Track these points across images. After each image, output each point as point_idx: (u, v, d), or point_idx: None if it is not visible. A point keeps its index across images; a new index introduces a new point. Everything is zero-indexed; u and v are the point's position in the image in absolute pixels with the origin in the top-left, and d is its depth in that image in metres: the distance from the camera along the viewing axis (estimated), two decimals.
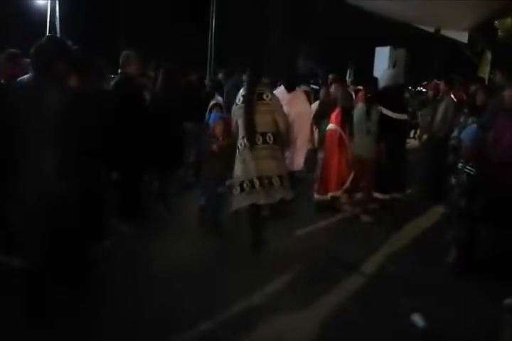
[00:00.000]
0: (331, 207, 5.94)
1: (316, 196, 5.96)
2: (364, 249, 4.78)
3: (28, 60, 3.22)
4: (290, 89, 5.77)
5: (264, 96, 4.36)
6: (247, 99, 4.38)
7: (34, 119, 2.89)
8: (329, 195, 5.84)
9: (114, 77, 5.48)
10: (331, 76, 8.18)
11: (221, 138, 4.93)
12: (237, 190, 4.48)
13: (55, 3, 10.85)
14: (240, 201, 4.48)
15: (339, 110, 5.85)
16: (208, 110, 6.26)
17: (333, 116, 5.86)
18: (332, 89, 6.98)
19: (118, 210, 4.79)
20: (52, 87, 2.95)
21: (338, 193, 5.84)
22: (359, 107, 5.74)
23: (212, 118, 5.18)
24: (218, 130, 4.94)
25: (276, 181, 4.41)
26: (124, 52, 5.18)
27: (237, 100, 4.56)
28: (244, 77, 8.01)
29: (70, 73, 3.38)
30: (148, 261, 4.22)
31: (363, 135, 5.58)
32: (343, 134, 5.73)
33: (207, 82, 9.59)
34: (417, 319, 3.36)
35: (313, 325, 3.36)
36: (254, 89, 4.38)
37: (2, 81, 4.35)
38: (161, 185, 5.66)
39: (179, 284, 3.81)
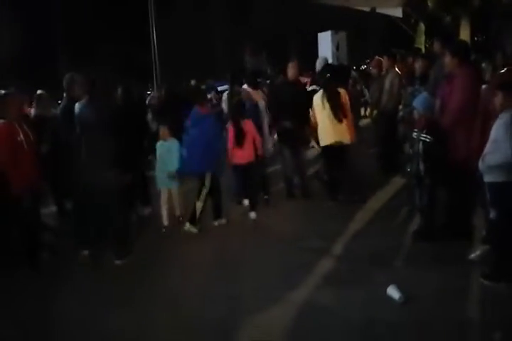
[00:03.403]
0: None
1: None
2: (332, 229, 4.84)
3: None
4: (254, 86, 6.29)
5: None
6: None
7: (93, 126, 4.37)
8: None
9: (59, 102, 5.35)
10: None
11: None
12: None
13: None
14: None
15: None
16: None
17: None
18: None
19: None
20: (102, 105, 4.48)
21: None
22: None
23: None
24: None
25: None
26: (68, 75, 4.99)
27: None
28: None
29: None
30: None
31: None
32: None
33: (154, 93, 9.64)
34: (393, 291, 3.38)
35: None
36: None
37: None
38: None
39: None
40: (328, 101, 5.49)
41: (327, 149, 5.64)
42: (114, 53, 18.69)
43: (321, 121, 5.61)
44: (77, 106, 4.54)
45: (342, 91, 5.61)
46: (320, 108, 5.55)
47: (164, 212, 5.30)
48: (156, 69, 12.71)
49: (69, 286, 4.09)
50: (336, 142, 5.51)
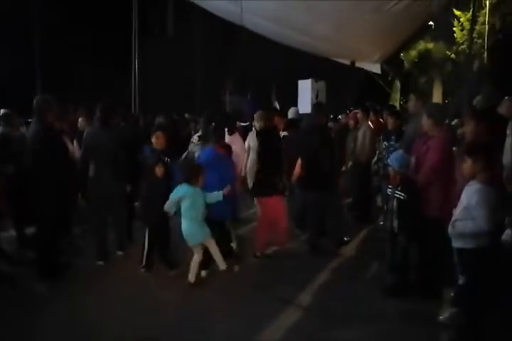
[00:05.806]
0: None
1: None
2: (302, 279, 4.74)
3: None
4: (231, 132, 6.11)
5: None
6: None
7: (99, 148, 5.04)
8: None
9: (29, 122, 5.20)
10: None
11: None
12: None
13: None
14: None
15: None
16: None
17: None
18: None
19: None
20: (106, 130, 5.15)
21: None
22: None
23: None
24: None
25: None
26: (39, 98, 4.73)
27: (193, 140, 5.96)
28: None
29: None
30: None
31: None
32: None
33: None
34: None
35: None
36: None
37: None
38: None
39: None
40: None
41: None
42: (94, 82, 18.66)
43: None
44: (88, 130, 5.27)
45: None
46: None
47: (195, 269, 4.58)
48: (135, 99, 12.69)
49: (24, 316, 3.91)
50: None
